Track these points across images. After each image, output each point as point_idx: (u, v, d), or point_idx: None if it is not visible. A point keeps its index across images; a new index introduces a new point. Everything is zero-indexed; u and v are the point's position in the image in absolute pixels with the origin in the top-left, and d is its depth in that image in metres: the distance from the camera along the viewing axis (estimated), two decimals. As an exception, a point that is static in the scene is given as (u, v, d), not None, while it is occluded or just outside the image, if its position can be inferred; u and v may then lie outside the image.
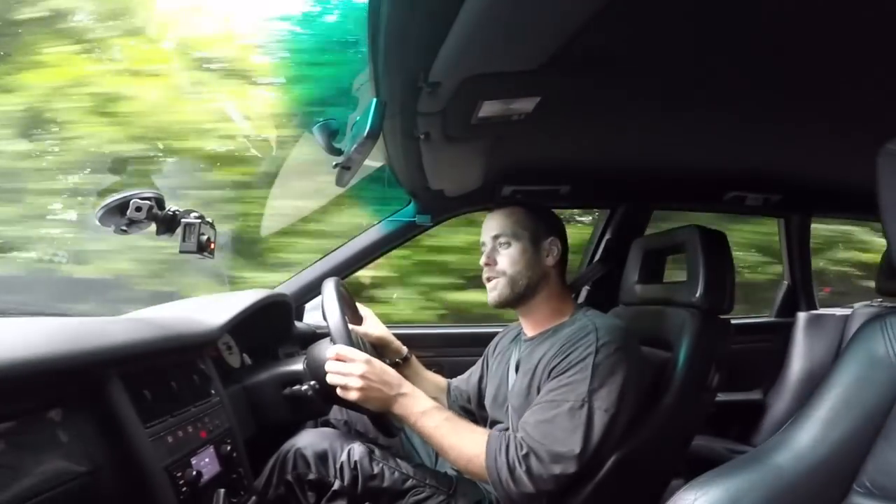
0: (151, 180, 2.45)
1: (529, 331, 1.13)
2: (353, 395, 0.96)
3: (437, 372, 1.41)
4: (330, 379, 0.98)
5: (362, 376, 0.95)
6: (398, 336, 1.35)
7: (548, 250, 1.10)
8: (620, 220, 1.70)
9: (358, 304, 1.32)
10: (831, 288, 3.20)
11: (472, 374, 1.32)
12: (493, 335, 1.78)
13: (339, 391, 0.98)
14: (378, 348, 1.30)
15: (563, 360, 0.96)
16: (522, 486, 0.90)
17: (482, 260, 1.12)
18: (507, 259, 1.09)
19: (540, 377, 0.99)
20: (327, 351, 1.00)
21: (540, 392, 0.98)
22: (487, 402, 1.19)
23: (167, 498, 0.73)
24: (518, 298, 1.10)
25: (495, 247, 1.11)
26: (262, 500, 0.97)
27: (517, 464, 0.91)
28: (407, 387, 1.00)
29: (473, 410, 1.29)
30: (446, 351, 1.69)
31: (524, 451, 0.91)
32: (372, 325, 1.32)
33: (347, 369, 0.97)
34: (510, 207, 1.13)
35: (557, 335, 1.03)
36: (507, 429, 1.07)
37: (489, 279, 1.11)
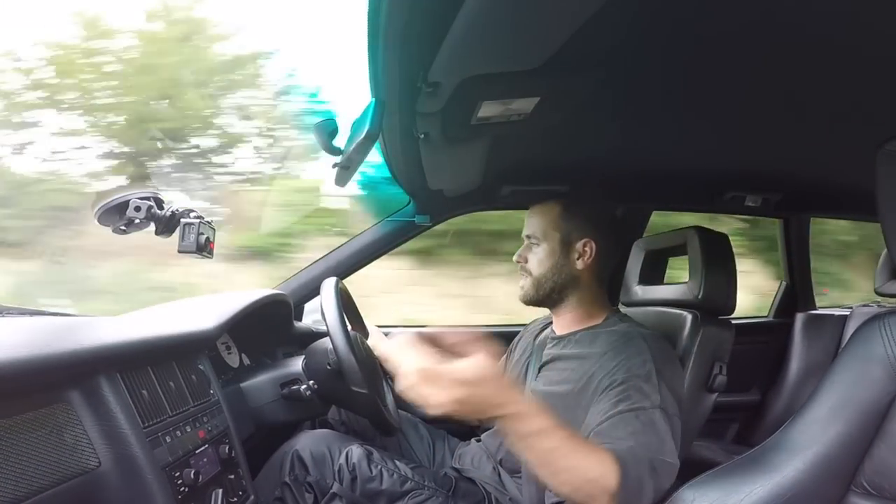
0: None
1: (559, 329, 1.11)
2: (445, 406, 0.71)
3: None
4: (415, 397, 0.72)
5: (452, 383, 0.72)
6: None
7: (580, 252, 1.07)
8: (619, 221, 1.70)
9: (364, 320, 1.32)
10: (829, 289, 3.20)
11: None
12: (492, 335, 1.79)
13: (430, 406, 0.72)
14: (383, 363, 1.29)
15: (620, 368, 0.90)
16: (647, 494, 0.78)
17: (514, 257, 1.12)
18: (535, 259, 1.08)
19: (584, 380, 0.94)
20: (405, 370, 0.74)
21: (593, 400, 0.90)
22: None
23: (165, 498, 0.73)
24: (544, 299, 1.09)
25: (528, 245, 1.10)
26: (259, 502, 0.97)
27: (644, 474, 0.78)
28: (520, 401, 0.75)
29: None
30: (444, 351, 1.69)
31: (647, 464, 0.79)
32: (377, 339, 1.32)
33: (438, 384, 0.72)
34: (549, 204, 1.10)
35: (596, 340, 1.00)
36: None
37: (521, 276, 1.11)
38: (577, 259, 1.07)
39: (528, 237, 1.10)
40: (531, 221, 1.11)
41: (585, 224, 1.08)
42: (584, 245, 1.07)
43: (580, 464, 0.76)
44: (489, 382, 0.73)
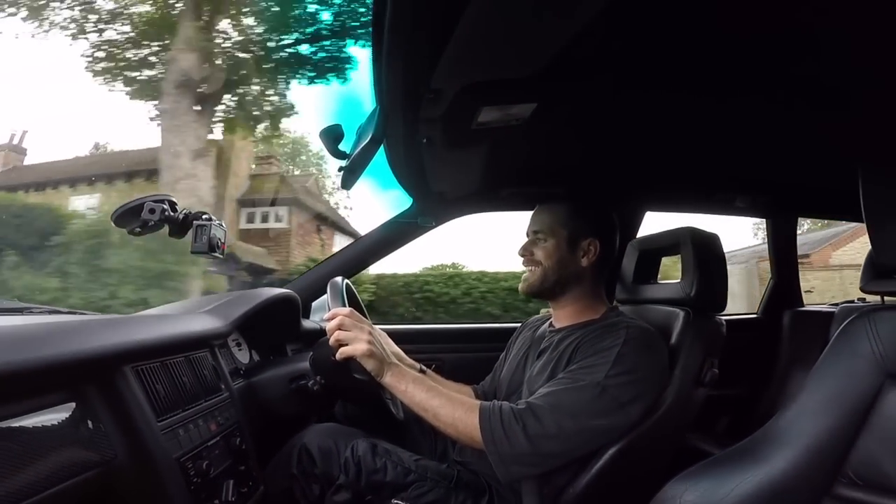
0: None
1: (558, 322, 1.16)
2: (360, 348, 0.94)
3: (437, 368, 1.44)
4: (337, 335, 0.96)
5: (370, 333, 0.97)
6: (398, 333, 1.38)
7: (585, 251, 1.11)
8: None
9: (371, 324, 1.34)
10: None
11: (496, 369, 1.33)
12: (491, 332, 1.82)
13: (344, 349, 0.95)
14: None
15: (589, 347, 0.99)
16: (517, 445, 0.89)
17: (519, 251, 1.16)
18: (543, 252, 1.12)
19: (564, 365, 1.01)
20: (335, 310, 1.00)
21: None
22: (501, 388, 1.21)
23: (179, 488, 0.75)
24: (547, 292, 1.13)
25: (534, 240, 1.15)
26: (268, 492, 1.00)
27: (513, 420, 0.91)
28: (396, 360, 1.01)
29: None
30: (446, 347, 1.72)
31: (522, 407, 0.92)
32: (384, 343, 1.34)
33: (358, 327, 0.97)
34: (556, 204, 1.15)
35: (587, 329, 1.05)
36: None
37: (527, 268, 1.15)
38: (583, 257, 1.11)
39: (535, 233, 1.15)
40: (539, 218, 1.16)
41: (591, 224, 1.13)
42: (589, 244, 1.12)
43: (449, 402, 0.95)
44: (384, 338, 1.03)
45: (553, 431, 0.90)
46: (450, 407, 0.95)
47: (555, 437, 0.91)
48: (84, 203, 8.61)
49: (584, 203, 1.16)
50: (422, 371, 1.33)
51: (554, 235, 1.12)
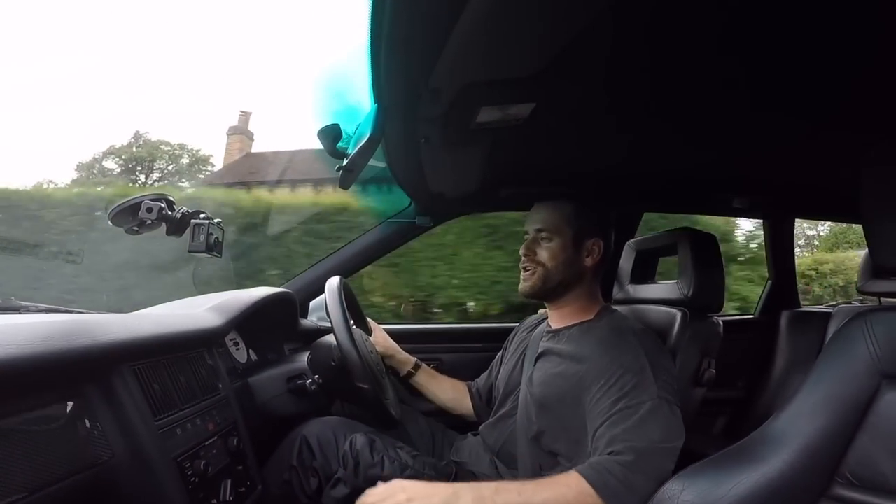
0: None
1: (555, 323, 1.14)
2: None
3: (436, 367, 1.44)
4: None
5: (408, 499, 0.84)
6: (398, 333, 1.38)
7: (589, 251, 1.09)
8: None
9: (367, 318, 1.35)
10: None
11: (493, 367, 1.32)
12: (490, 331, 1.82)
13: None
14: (385, 359, 1.33)
15: (609, 363, 0.93)
16: (640, 490, 0.81)
17: (521, 250, 1.13)
18: (548, 253, 1.09)
19: (575, 385, 0.97)
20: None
21: (591, 399, 0.93)
22: (498, 388, 1.21)
23: (177, 488, 0.75)
24: (549, 293, 1.11)
25: (537, 238, 1.11)
26: (267, 485, 1.00)
27: (629, 474, 0.82)
28: (461, 483, 0.90)
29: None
30: (445, 346, 1.71)
31: (630, 458, 0.83)
32: (379, 337, 1.35)
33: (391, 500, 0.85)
34: (560, 202, 1.12)
35: (589, 334, 1.03)
36: (513, 415, 1.08)
37: (525, 269, 1.11)
38: (587, 257, 1.09)
39: (539, 231, 1.11)
40: (542, 216, 1.12)
41: (595, 224, 1.11)
42: (594, 244, 1.10)
43: (552, 495, 0.82)
44: (417, 487, 0.86)
45: (668, 465, 0.84)
46: (557, 497, 0.82)
47: (668, 471, 0.84)
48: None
49: (587, 201, 1.14)
50: (417, 366, 1.34)
51: (560, 234, 1.09)
